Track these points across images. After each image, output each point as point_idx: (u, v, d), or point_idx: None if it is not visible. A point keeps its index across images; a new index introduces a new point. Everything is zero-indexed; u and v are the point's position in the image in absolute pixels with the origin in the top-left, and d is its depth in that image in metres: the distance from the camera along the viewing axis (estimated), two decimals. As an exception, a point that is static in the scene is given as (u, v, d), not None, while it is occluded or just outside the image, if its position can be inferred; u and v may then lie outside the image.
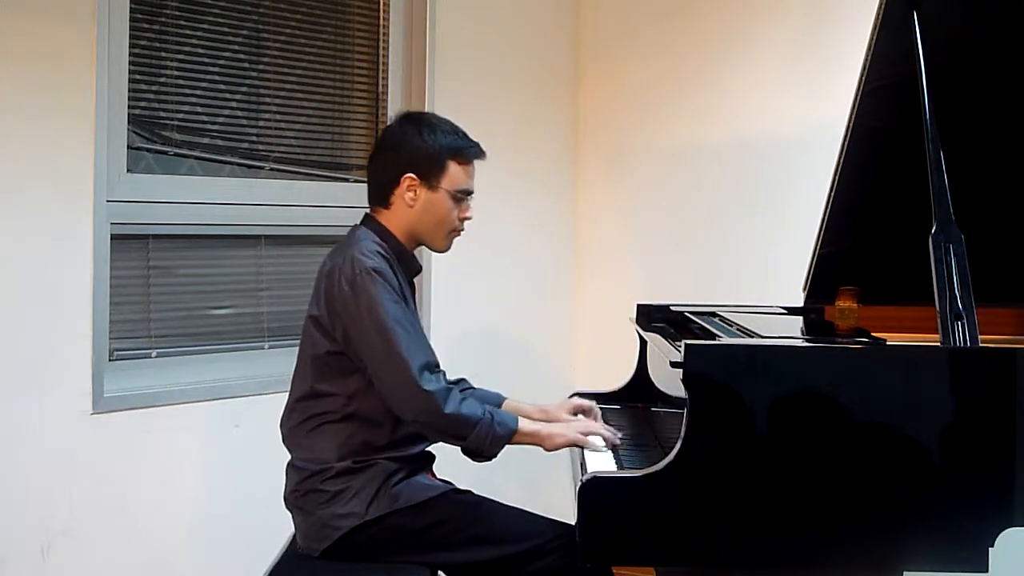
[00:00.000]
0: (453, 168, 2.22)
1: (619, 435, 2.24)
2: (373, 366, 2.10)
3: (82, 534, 2.58)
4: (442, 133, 2.22)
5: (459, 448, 2.14)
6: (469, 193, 2.26)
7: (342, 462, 2.14)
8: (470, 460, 2.16)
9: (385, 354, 2.07)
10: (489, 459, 2.14)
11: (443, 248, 2.30)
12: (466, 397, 2.14)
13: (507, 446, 2.14)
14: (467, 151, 2.24)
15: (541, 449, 2.19)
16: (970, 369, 1.85)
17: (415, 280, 2.35)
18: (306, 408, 2.19)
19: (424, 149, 2.20)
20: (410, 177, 2.20)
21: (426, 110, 3.24)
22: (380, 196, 2.25)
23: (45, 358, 2.52)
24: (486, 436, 2.09)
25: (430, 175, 2.21)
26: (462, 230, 2.29)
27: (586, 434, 2.20)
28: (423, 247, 2.32)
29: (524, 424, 2.17)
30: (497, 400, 2.41)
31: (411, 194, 2.21)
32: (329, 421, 2.16)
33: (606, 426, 2.27)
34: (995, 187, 2.25)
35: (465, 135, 2.26)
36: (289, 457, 2.24)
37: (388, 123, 2.32)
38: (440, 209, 2.23)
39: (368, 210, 2.28)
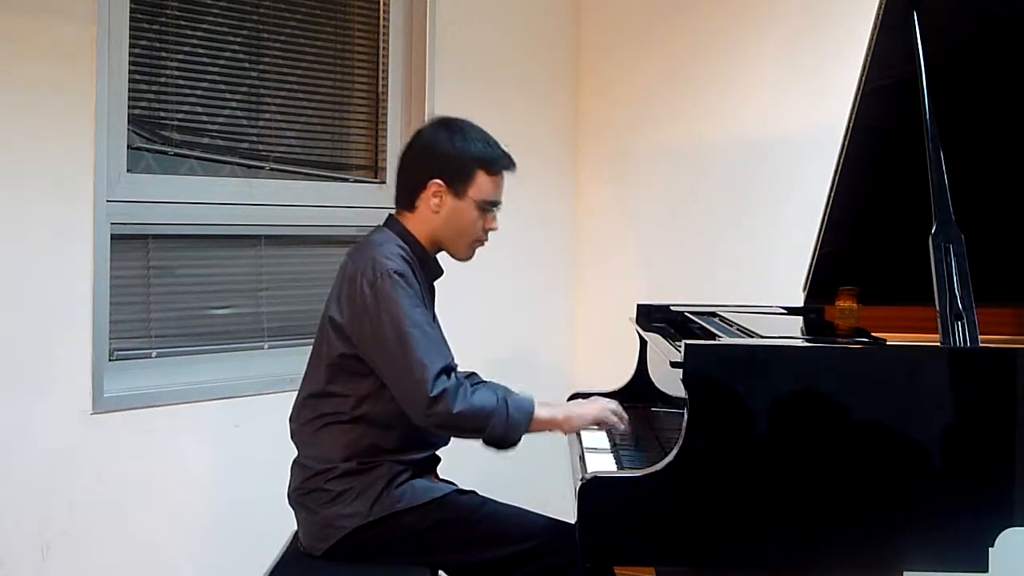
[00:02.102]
0: (481, 178, 2.21)
1: (626, 424, 2.25)
2: (388, 369, 2.09)
3: (82, 534, 2.58)
4: (473, 141, 2.21)
5: (480, 441, 2.11)
6: (496, 204, 2.25)
7: (347, 462, 2.14)
8: (494, 450, 2.13)
9: (402, 358, 2.06)
10: (512, 446, 2.12)
11: (464, 257, 2.29)
12: (477, 388, 2.12)
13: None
14: (497, 162, 2.23)
15: (559, 442, 2.21)
16: (970, 369, 1.85)
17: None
18: (316, 406, 2.19)
19: (453, 156, 2.20)
20: (437, 183, 2.19)
21: (426, 111, 3.25)
22: (406, 198, 2.24)
23: (45, 358, 2.52)
24: (504, 424, 2.08)
25: (457, 183, 2.20)
26: (486, 240, 2.28)
27: (600, 411, 2.21)
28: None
29: (540, 410, 2.14)
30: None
31: (436, 200, 2.20)
32: (338, 421, 2.16)
33: (617, 409, 2.26)
34: (995, 187, 2.25)
35: (497, 145, 2.24)
36: (293, 455, 2.24)
37: (421, 125, 2.32)
38: (464, 218, 2.22)
39: (394, 211, 2.28)
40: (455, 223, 2.22)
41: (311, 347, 2.26)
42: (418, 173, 2.22)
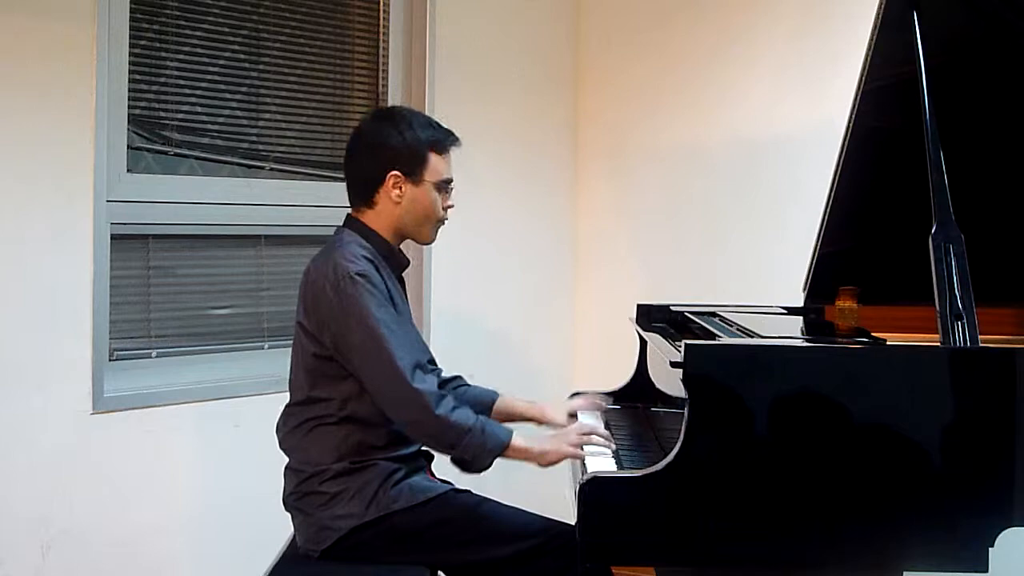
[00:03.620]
0: (433, 159, 2.23)
1: (612, 442, 2.20)
2: (362, 370, 2.10)
3: (82, 534, 2.58)
4: (419, 127, 2.23)
5: (449, 458, 2.14)
6: (450, 181, 2.27)
7: (339, 463, 2.13)
8: (460, 471, 2.16)
9: (374, 357, 2.07)
10: (479, 471, 2.13)
11: (429, 240, 2.31)
12: (459, 405, 2.12)
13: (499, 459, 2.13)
14: (444, 141, 2.25)
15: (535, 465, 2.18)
16: (970, 369, 1.85)
17: (406, 274, 2.35)
18: (301, 412, 2.19)
19: (404, 145, 2.21)
20: (395, 175, 2.20)
21: (426, 110, 3.24)
22: (363, 196, 2.24)
23: (45, 358, 2.52)
24: (477, 446, 2.08)
25: (413, 170, 2.21)
26: (447, 219, 2.30)
27: (576, 444, 2.18)
28: (409, 240, 2.31)
29: (517, 440, 2.15)
30: (491, 398, 2.42)
31: (397, 191, 2.21)
32: (325, 424, 2.16)
33: (596, 430, 2.23)
34: (995, 187, 2.25)
35: (439, 125, 2.27)
36: (287, 459, 2.23)
37: (360, 122, 2.33)
38: (425, 202, 2.23)
39: (350, 211, 2.28)
40: (418, 209, 2.23)
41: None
42: (372, 170, 2.22)
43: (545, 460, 2.17)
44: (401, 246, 2.29)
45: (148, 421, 2.70)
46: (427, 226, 2.27)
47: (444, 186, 2.25)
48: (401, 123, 2.23)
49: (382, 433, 2.15)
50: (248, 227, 3.00)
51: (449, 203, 2.28)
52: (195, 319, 2.92)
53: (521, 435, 2.18)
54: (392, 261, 2.24)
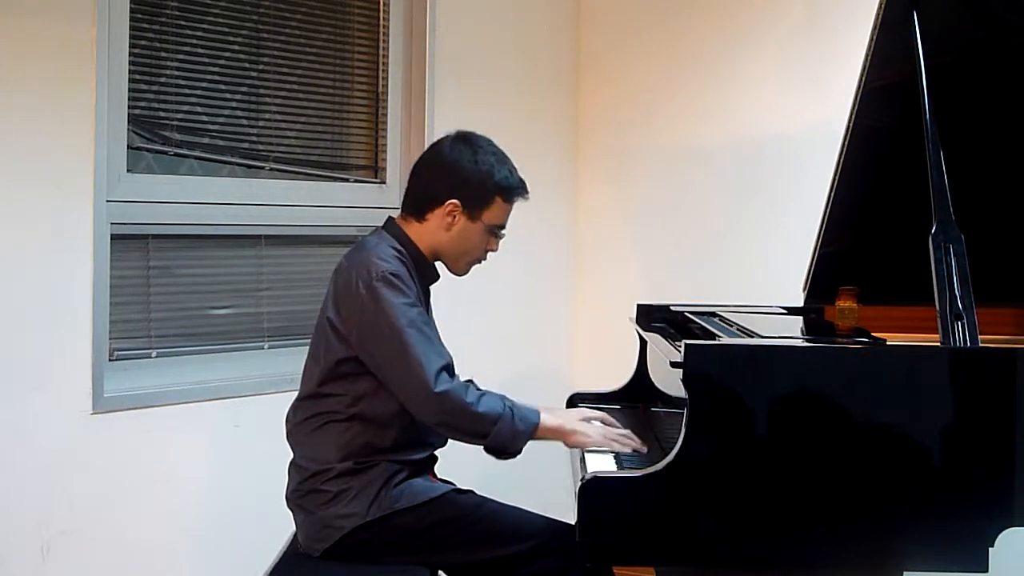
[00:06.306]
0: (498, 204, 2.22)
1: (645, 448, 2.19)
2: (388, 369, 2.09)
3: (82, 534, 2.58)
4: (496, 166, 2.21)
5: (482, 447, 2.12)
6: (502, 228, 2.26)
7: (344, 463, 2.14)
8: (495, 459, 2.14)
9: (401, 358, 2.06)
10: (513, 456, 2.12)
11: (460, 273, 2.31)
12: (485, 393, 2.12)
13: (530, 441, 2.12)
14: (515, 191, 2.24)
15: (560, 444, 2.17)
16: (970, 369, 1.85)
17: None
18: (311, 406, 2.19)
19: (475, 179, 2.19)
20: (454, 203, 2.19)
21: (426, 110, 3.25)
22: (416, 209, 2.23)
23: (45, 358, 2.52)
24: (508, 432, 2.08)
25: (474, 206, 2.20)
26: (484, 260, 2.29)
27: (611, 439, 2.17)
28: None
29: (546, 418, 2.15)
30: None
31: (450, 219, 2.20)
32: (333, 421, 2.16)
33: (632, 435, 2.21)
34: (995, 187, 2.25)
35: (515, 171, 2.24)
36: (290, 456, 2.24)
37: (441, 137, 2.29)
38: (473, 239, 2.23)
39: (395, 216, 2.27)
40: (462, 243, 2.23)
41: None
42: (435, 188, 2.21)
43: (575, 440, 2.16)
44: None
45: (148, 421, 2.70)
46: (463, 260, 2.27)
47: (496, 231, 2.25)
48: (480, 153, 2.21)
49: (391, 435, 2.15)
50: (248, 227, 3.00)
51: (494, 247, 2.27)
52: (195, 319, 2.91)
53: (547, 412, 2.18)
54: (422, 272, 2.24)
